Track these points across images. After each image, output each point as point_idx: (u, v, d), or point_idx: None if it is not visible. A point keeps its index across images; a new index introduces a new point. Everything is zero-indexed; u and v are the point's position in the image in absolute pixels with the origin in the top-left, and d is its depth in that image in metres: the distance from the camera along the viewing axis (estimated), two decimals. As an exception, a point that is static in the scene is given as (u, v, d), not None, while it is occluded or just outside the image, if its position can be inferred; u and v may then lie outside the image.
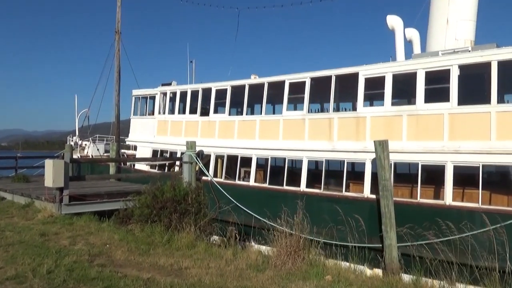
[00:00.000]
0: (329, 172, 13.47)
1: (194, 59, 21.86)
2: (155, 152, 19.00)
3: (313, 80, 13.64)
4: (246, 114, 15.89)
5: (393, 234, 10.37)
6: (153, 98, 20.00)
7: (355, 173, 13.61)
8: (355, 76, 12.54)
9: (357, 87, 12.44)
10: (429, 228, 10.36)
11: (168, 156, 18.27)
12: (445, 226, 10.04)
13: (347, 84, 13.38)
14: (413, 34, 15.57)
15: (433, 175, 11.88)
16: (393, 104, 11.95)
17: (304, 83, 13.74)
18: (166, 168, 18.47)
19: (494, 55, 10.20)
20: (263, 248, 11.60)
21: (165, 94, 19.23)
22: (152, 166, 19.05)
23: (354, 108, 16.43)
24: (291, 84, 14.19)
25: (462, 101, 10.69)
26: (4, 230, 9.77)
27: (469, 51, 11.17)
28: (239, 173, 15.39)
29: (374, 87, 12.37)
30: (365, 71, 12.38)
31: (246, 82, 15.66)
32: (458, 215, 10.15)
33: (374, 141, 10.75)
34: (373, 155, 11.71)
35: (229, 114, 16.47)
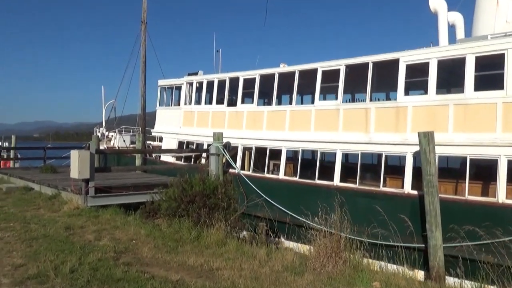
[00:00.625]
0: (363, 166, 12.65)
1: (221, 48, 21.27)
2: (181, 144, 18.62)
3: (348, 67, 12.78)
4: (277, 103, 15.18)
5: (439, 234, 9.52)
6: (179, 88, 19.59)
7: (391, 167, 12.72)
8: (395, 62, 11.61)
9: (397, 75, 11.52)
10: (478, 228, 9.49)
11: (194, 147, 17.83)
12: (497, 227, 9.17)
13: (384, 72, 12.48)
14: (456, 18, 14.42)
15: (481, 170, 10.90)
16: (437, 92, 10.97)
17: (338, 71, 12.89)
18: (192, 160, 18.05)
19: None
20: (297, 246, 10.99)
21: (191, 84, 18.75)
22: (178, 158, 18.67)
23: (388, 98, 15.52)
24: (324, 72, 13.37)
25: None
26: (29, 223, 9.50)
27: None
28: (267, 166, 14.75)
29: (416, 74, 11.42)
30: (406, 57, 11.42)
31: (275, 70, 14.94)
32: (513, 214, 9.21)
33: (418, 133, 9.86)
34: (415, 148, 10.85)
35: (257, 105, 15.82)
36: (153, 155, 20.36)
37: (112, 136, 26.71)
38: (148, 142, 24.51)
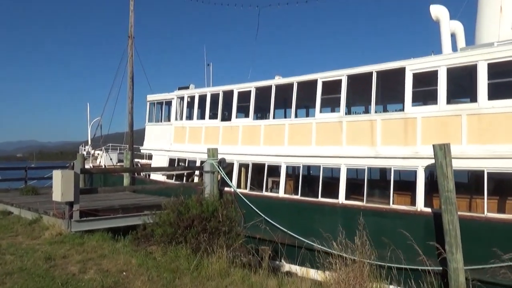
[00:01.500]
0: (369, 182, 11.90)
1: (211, 62, 20.55)
2: (172, 161, 17.63)
3: (350, 78, 12.13)
4: (275, 116, 14.42)
5: (460, 256, 8.75)
6: (169, 103, 18.71)
7: (397, 183, 11.97)
8: (401, 71, 11.00)
9: (404, 85, 10.89)
10: (501, 247, 8.77)
11: (186, 165, 16.87)
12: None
13: (388, 84, 11.88)
14: (456, 26, 14.00)
15: (496, 184, 10.25)
16: (448, 102, 10.35)
17: (340, 81, 12.23)
18: (185, 178, 17.06)
19: None
20: (306, 271, 10.07)
21: (182, 98, 17.91)
22: (169, 177, 17.66)
23: (386, 110, 14.93)
24: (324, 83, 12.70)
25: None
26: (4, 253, 8.41)
27: None
28: (266, 183, 13.88)
29: (424, 83, 10.82)
30: (413, 65, 10.82)
31: (272, 82, 14.23)
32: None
33: (433, 145, 9.17)
34: (426, 162, 10.18)
35: (253, 119, 15.03)
36: (142, 173, 19.29)
37: (98, 154, 25.52)
38: (136, 160, 23.41)
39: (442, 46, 12.75)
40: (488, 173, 9.36)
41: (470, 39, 13.89)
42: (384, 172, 12.73)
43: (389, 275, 8.84)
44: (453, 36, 14.01)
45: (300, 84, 13.37)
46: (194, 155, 16.49)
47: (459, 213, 9.12)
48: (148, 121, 19.73)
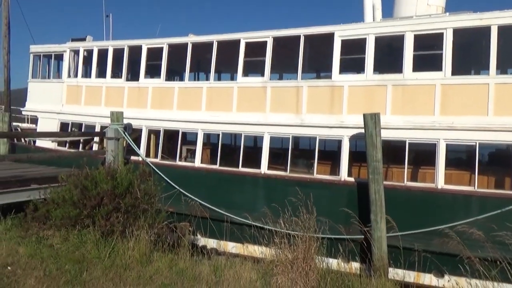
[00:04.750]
0: (294, 151, 11.48)
1: (111, 13, 17.82)
2: (64, 126, 15.06)
3: (276, 40, 11.32)
4: (189, 80, 13.00)
5: (384, 224, 8.81)
6: (59, 57, 15.79)
7: (323, 152, 11.80)
8: (330, 37, 10.53)
9: (332, 51, 10.47)
10: (418, 215, 9.12)
11: (82, 130, 14.55)
12: (436, 213, 8.89)
13: (318, 50, 11.40)
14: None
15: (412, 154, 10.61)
16: (375, 72, 10.25)
17: (265, 43, 11.33)
18: (81, 146, 14.75)
19: (495, 19, 8.96)
20: (237, 247, 9.30)
21: (77, 52, 15.21)
22: (60, 144, 15.10)
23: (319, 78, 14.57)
24: (248, 45, 11.67)
25: (456, 70, 9.39)
26: None
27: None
28: (180, 152, 12.59)
29: (352, 51, 10.53)
30: (342, 31, 10.41)
31: (188, 39, 12.70)
32: (453, 200, 8.98)
33: (364, 114, 8.94)
34: (352, 131, 10.04)
35: (166, 80, 13.38)
36: (28, 139, 16.23)
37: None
38: (16, 124, 19.75)
39: (365, 16, 12.63)
40: (409, 143, 9.55)
41: (387, 14, 14.09)
42: (309, 140, 12.46)
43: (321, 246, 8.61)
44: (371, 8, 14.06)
45: (220, 43, 12.12)
46: (92, 119, 14.25)
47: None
48: (32, 77, 16.49)
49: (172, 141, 13.06)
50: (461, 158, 10.81)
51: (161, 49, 13.07)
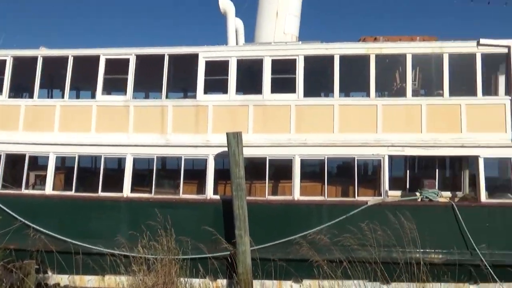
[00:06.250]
0: (159, 172, 11.10)
1: None
2: None
3: (140, 58, 10.94)
4: (39, 98, 11.58)
5: (247, 238, 9.05)
6: None
7: (189, 171, 11.65)
8: (194, 57, 10.63)
9: (197, 71, 10.58)
10: (280, 226, 9.62)
11: None
12: (295, 223, 9.51)
13: (181, 68, 11.37)
14: (238, 24, 14.81)
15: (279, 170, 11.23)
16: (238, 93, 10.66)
17: (127, 61, 10.85)
18: None
19: (337, 49, 10.23)
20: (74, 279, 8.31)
21: None
22: None
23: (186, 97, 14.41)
24: (109, 61, 11.01)
25: (309, 93, 10.37)
26: None
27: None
28: (27, 179, 11.01)
29: (216, 72, 10.79)
30: (206, 53, 10.62)
31: (39, 53, 11.40)
32: (307, 210, 9.74)
33: (227, 133, 9.17)
34: (217, 150, 10.20)
35: (9, 97, 11.67)
36: None
37: None
38: None
39: (228, 39, 13.14)
40: (269, 159, 10.09)
41: (249, 38, 14.94)
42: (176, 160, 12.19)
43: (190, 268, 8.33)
44: (235, 32, 14.74)
45: (77, 59, 11.17)
46: None
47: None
48: None
49: (18, 166, 11.37)
50: (314, 171, 11.82)
51: (3, 61, 11.43)
